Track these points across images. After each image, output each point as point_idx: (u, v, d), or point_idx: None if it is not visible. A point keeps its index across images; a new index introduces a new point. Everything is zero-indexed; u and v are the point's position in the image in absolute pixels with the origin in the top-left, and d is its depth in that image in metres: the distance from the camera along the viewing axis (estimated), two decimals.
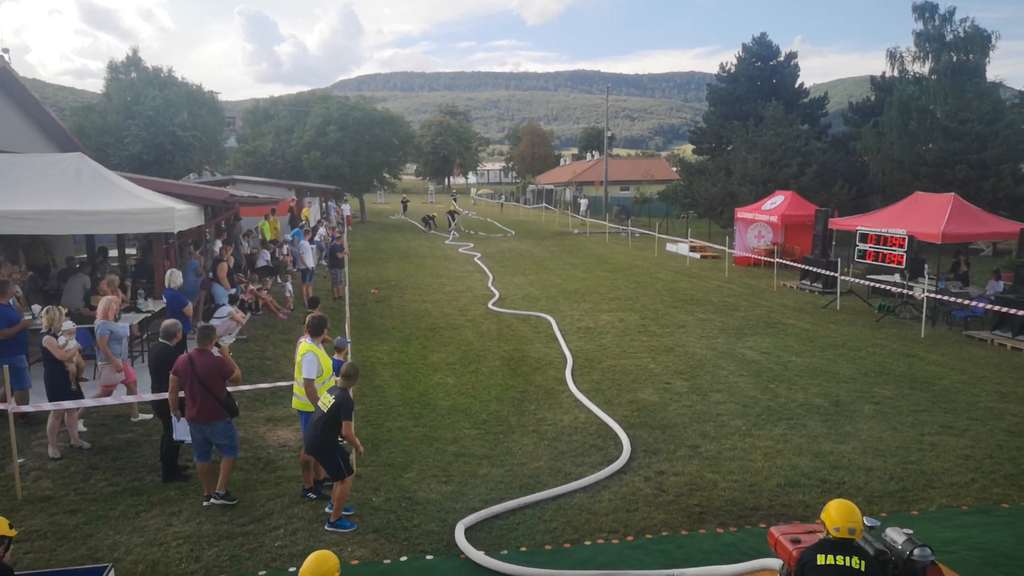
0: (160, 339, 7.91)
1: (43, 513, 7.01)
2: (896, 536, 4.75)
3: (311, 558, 4.12)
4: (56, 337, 8.34)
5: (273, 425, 9.56)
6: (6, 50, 19.27)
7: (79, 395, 8.45)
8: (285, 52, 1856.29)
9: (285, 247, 21.36)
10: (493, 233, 40.36)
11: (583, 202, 53.41)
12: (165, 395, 7.64)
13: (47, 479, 7.80)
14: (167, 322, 8.01)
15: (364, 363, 12.54)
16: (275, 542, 6.55)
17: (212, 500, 7.19)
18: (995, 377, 11.97)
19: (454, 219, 41.95)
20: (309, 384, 7.24)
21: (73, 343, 8.55)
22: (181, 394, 7.25)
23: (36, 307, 11.71)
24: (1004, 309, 14.16)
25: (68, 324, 8.61)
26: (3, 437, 7.85)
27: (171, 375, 7.24)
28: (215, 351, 7.28)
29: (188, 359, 7.15)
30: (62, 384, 8.28)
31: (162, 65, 38.72)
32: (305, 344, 7.45)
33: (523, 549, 6.50)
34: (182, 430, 7.46)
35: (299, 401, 7.53)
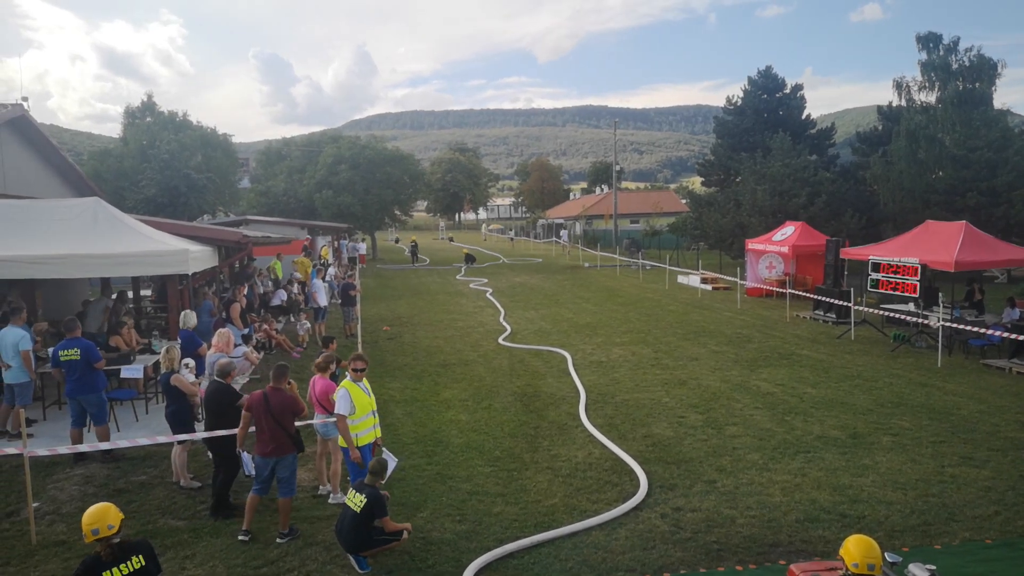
0: (215, 377, 8.17)
1: (57, 558, 6.99)
2: (919, 572, 4.66)
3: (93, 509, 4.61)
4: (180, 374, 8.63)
5: None
6: (25, 98, 19.76)
7: (193, 429, 8.73)
8: (300, 93, 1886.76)
9: (297, 286, 21.54)
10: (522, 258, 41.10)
11: (564, 233, 58.70)
12: (220, 432, 7.83)
13: (62, 523, 7.79)
14: (222, 360, 8.32)
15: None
16: None
17: (279, 540, 7.27)
18: (1015, 406, 11.81)
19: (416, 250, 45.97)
20: (342, 420, 7.58)
21: (193, 376, 8.91)
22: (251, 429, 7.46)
23: (50, 350, 11.83)
24: (1021, 337, 14.01)
25: (188, 360, 9.01)
26: (19, 481, 7.86)
27: (244, 411, 7.51)
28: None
29: (263, 396, 7.38)
30: (187, 418, 8.59)
31: (178, 109, 39.45)
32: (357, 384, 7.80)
33: None
34: (249, 463, 7.67)
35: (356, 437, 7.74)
